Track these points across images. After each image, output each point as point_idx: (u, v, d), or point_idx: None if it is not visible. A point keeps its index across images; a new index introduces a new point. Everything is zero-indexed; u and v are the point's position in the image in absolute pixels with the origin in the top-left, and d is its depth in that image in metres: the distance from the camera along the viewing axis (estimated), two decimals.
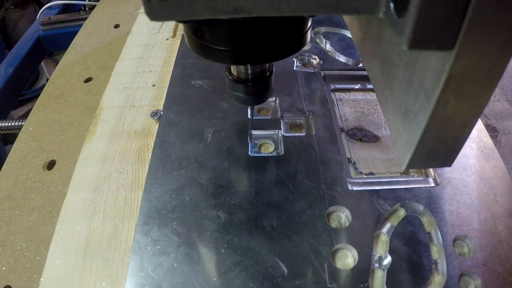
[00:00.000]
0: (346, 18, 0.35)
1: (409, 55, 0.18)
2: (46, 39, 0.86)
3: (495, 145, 0.42)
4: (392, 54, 0.20)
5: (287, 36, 0.23)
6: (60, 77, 0.57)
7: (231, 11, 0.15)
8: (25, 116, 0.78)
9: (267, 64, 0.30)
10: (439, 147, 0.18)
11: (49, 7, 0.96)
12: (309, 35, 0.24)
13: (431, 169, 0.37)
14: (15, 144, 0.49)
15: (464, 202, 0.35)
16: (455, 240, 0.32)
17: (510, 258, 0.31)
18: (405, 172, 0.38)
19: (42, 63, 1.17)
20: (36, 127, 0.50)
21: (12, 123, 0.58)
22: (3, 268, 0.35)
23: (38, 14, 0.96)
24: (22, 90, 0.91)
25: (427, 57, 0.16)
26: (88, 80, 0.55)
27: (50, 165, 0.45)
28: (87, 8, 0.91)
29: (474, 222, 0.33)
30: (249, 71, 0.29)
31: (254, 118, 0.40)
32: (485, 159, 0.39)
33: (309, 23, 0.24)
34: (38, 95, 0.55)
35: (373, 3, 0.15)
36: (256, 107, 0.41)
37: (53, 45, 0.87)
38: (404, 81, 0.19)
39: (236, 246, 0.30)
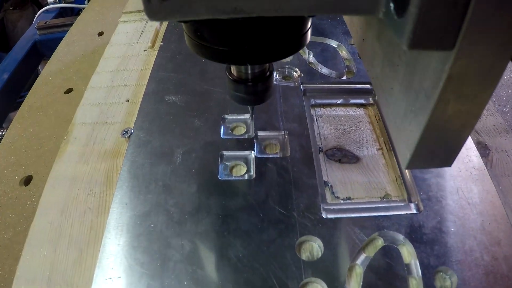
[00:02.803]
0: (346, 18, 0.35)
1: (409, 55, 0.18)
2: (42, 44, 0.85)
3: (486, 164, 0.39)
4: (392, 54, 0.20)
5: (287, 36, 0.22)
6: (41, 87, 0.56)
7: (231, 11, 0.15)
8: None
9: (267, 64, 0.30)
10: (439, 147, 0.18)
11: (46, 10, 0.95)
12: (309, 35, 0.24)
13: (414, 194, 0.35)
14: None
15: (448, 231, 0.32)
16: (436, 272, 0.30)
17: None
18: (386, 197, 0.35)
19: (40, 66, 1.17)
20: (15, 140, 0.50)
21: None
22: None
23: (35, 18, 0.95)
24: (19, 94, 0.91)
25: (427, 57, 0.16)
26: (68, 91, 0.54)
27: (27, 180, 0.45)
28: None
29: (458, 252, 0.31)
30: (249, 71, 0.29)
31: (226, 137, 0.38)
32: (474, 182, 0.36)
33: (309, 23, 0.23)
34: None
35: (373, 3, 0.15)
36: (229, 125, 0.39)
37: (49, 50, 0.86)
38: (404, 81, 0.19)
39: (199, 278, 0.28)
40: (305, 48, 0.49)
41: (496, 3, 0.12)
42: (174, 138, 0.38)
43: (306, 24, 0.23)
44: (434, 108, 0.16)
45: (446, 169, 0.37)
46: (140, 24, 0.57)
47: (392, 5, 0.14)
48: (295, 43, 0.23)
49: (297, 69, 0.45)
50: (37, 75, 1.61)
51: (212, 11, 0.15)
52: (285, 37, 0.22)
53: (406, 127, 0.19)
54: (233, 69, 0.29)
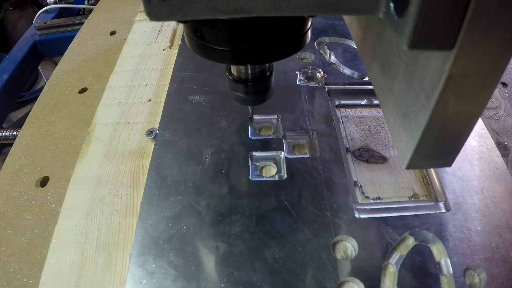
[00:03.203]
0: (346, 18, 0.35)
1: (409, 55, 0.18)
2: (42, 44, 0.84)
3: (507, 164, 0.40)
4: (392, 54, 0.20)
5: (287, 36, 0.22)
6: (54, 87, 0.55)
7: (231, 11, 0.15)
8: (23, 118, 0.76)
9: (267, 64, 0.29)
10: (439, 147, 0.18)
11: (46, 10, 0.94)
12: (309, 35, 0.24)
13: (441, 193, 0.36)
14: (8, 159, 0.47)
15: (476, 229, 0.33)
16: (466, 270, 0.30)
17: None
18: (414, 196, 0.36)
19: (40, 65, 1.15)
20: (29, 140, 0.49)
21: (6, 133, 0.56)
22: None
23: (35, 18, 0.93)
24: (19, 95, 0.89)
25: (427, 57, 0.16)
26: (83, 90, 0.53)
27: (44, 181, 0.44)
28: (86, 12, 0.89)
29: (486, 250, 0.32)
30: (249, 71, 0.28)
31: (254, 137, 0.38)
32: (497, 181, 0.37)
33: (309, 23, 0.23)
34: (37, 97, 0.54)
35: (373, 3, 0.15)
36: (257, 125, 0.39)
37: (49, 50, 0.86)
38: (404, 81, 0.19)
39: (236, 280, 0.28)
40: (326, 49, 0.49)
41: (496, 3, 0.12)
42: (201, 138, 0.38)
43: (306, 24, 0.23)
44: (434, 108, 0.16)
45: (470, 169, 0.38)
46: (156, 23, 0.56)
47: (392, 5, 0.14)
48: (295, 43, 0.23)
49: (320, 70, 0.46)
50: (37, 75, 1.58)
51: (212, 11, 0.15)
52: (285, 37, 0.22)
53: (406, 127, 0.19)
54: (233, 69, 0.29)
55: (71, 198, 0.36)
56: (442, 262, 0.31)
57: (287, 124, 0.39)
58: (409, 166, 0.19)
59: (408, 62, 0.18)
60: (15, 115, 1.43)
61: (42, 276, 0.32)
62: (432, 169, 0.37)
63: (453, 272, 0.30)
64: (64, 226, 0.34)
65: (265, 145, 0.37)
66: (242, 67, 0.28)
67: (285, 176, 0.35)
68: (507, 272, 0.31)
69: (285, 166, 0.36)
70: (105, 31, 0.63)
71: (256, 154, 0.37)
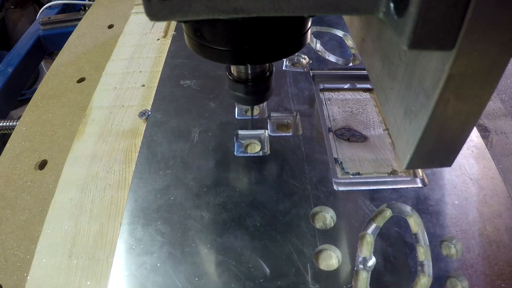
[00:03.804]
0: (346, 18, 0.35)
1: (409, 55, 0.18)
2: (46, 39, 0.86)
3: (487, 145, 0.41)
4: (392, 54, 0.20)
5: (287, 36, 0.23)
6: (54, 77, 0.57)
7: (231, 11, 0.15)
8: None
9: (267, 64, 0.30)
10: (439, 147, 0.18)
11: (49, 6, 0.96)
12: (309, 35, 0.24)
13: (419, 170, 0.37)
14: (8, 144, 0.49)
15: (453, 203, 0.34)
16: (442, 241, 0.32)
17: (498, 260, 0.31)
18: (393, 173, 0.37)
19: (42, 63, 1.18)
20: (29, 127, 0.51)
21: (5, 123, 0.59)
22: None
23: (38, 14, 0.96)
24: (22, 90, 0.91)
25: (427, 57, 0.16)
26: (81, 80, 0.55)
27: (42, 164, 0.46)
28: (87, 8, 0.92)
29: (463, 223, 0.33)
30: (249, 71, 0.29)
31: (241, 118, 0.40)
32: (475, 159, 0.38)
33: (309, 23, 0.24)
34: None
35: (373, 3, 0.15)
36: (242, 107, 0.41)
37: (53, 45, 0.88)
38: (404, 81, 0.19)
39: (219, 246, 0.30)
40: (312, 37, 0.51)
41: (496, 2, 0.12)
42: (190, 118, 0.40)
43: (306, 24, 0.23)
44: (434, 108, 0.16)
45: None
46: None
47: (392, 5, 0.14)
48: (295, 43, 0.23)
49: (305, 56, 0.48)
50: (38, 73, 1.60)
51: (212, 11, 0.15)
52: (285, 37, 0.22)
53: (406, 127, 0.19)
54: (233, 69, 0.30)
55: (67, 175, 0.38)
56: (419, 233, 0.32)
57: (272, 105, 0.41)
58: (409, 166, 0.19)
59: (408, 62, 0.18)
60: (16, 113, 1.46)
61: (38, 245, 0.33)
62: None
63: (429, 243, 0.31)
64: (60, 200, 0.36)
65: (250, 124, 0.39)
66: (242, 67, 0.29)
67: (268, 152, 0.37)
68: (483, 243, 0.32)
69: (268, 143, 0.38)
70: (103, 25, 0.66)
71: (241, 132, 0.38)
